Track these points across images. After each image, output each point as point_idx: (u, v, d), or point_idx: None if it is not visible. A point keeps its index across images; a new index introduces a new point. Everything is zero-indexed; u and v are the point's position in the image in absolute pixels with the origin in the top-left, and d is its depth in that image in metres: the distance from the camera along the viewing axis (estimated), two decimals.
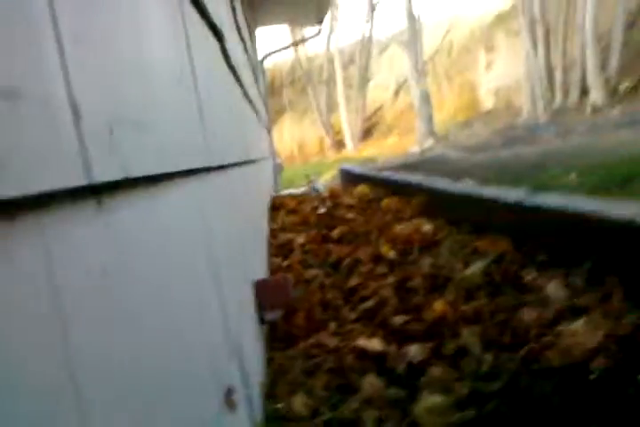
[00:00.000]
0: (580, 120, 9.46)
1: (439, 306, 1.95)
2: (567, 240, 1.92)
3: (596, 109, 9.77)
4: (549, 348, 1.32)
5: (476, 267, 2.14)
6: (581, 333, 1.29)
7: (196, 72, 1.19)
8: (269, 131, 7.94)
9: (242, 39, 3.30)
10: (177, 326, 0.75)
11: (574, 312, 1.47)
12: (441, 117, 16.26)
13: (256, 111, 4.71)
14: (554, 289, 1.66)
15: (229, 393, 1.05)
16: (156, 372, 0.60)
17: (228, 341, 1.23)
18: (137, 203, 0.66)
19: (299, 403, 1.57)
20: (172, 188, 0.90)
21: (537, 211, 2.12)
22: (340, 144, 19.58)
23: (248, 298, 1.77)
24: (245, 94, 3.15)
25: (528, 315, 1.58)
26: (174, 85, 0.93)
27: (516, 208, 2.30)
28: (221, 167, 1.63)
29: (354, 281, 2.69)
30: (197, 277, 0.94)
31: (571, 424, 1.14)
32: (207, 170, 1.28)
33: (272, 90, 20.47)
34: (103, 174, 0.48)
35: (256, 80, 5.22)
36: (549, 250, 2.02)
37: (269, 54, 7.81)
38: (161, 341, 0.65)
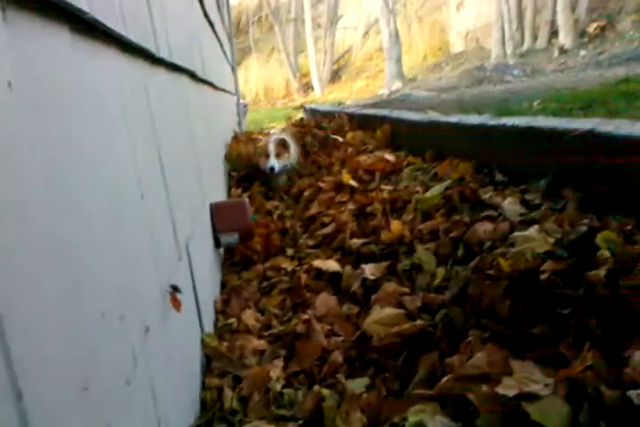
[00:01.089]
0: (547, 61, 9.39)
1: (396, 227, 1.93)
2: (527, 159, 1.90)
3: (564, 51, 9.70)
4: (501, 256, 1.31)
5: (435, 189, 2.12)
6: (533, 239, 1.28)
7: None
8: (234, 68, 7.65)
9: None
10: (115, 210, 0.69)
11: (529, 224, 1.46)
12: (410, 60, 15.97)
13: (219, 40, 4.51)
14: (509, 205, 1.65)
15: (174, 291, 1.01)
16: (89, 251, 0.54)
17: (177, 250, 1.18)
18: (58, 39, 0.59)
19: (250, 318, 1.55)
20: (110, 53, 0.82)
21: (498, 130, 2.08)
22: (307, 87, 19.15)
23: (200, 218, 1.72)
24: (205, 13, 2.97)
25: (482, 230, 1.57)
26: None
27: (478, 130, 2.26)
28: (173, 67, 1.53)
29: (314, 210, 2.67)
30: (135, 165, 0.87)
31: (518, 324, 1.15)
32: (153, 58, 1.19)
33: (238, 29, 19.72)
34: None
35: (219, 7, 4.97)
36: (509, 170, 2.00)
37: None
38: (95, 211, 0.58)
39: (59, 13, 0.57)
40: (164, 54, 1.29)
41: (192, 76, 2.06)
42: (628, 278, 0.96)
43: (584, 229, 1.20)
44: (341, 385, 1.22)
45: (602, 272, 1.01)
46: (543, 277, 1.13)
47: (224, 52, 5.46)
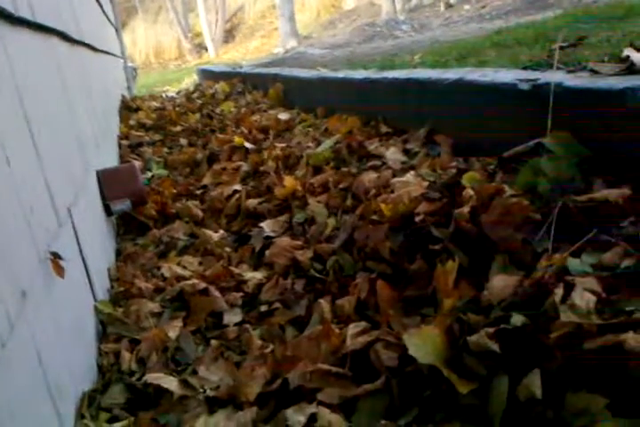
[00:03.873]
0: (435, 16, 9.61)
1: (289, 183, 1.97)
2: (408, 110, 1.98)
3: (449, 6, 9.96)
4: (383, 202, 1.38)
5: (326, 144, 2.17)
6: (409, 184, 1.35)
7: None
8: (118, 30, 7.24)
9: None
10: None
11: (408, 171, 1.54)
12: (304, 17, 15.79)
13: (98, 0, 4.25)
14: (392, 154, 1.72)
15: (55, 258, 1.00)
16: None
17: (57, 216, 1.15)
18: None
19: (145, 283, 1.54)
20: None
21: (381, 84, 2.15)
22: (200, 48, 18.47)
23: (85, 185, 1.66)
24: None
25: (367, 179, 1.64)
26: None
27: (363, 85, 2.31)
28: (38, 27, 1.45)
29: (207, 180, 2.60)
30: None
31: (398, 263, 1.23)
32: (12, 18, 1.12)
33: None
34: None
35: None
36: (393, 122, 2.08)
37: None
38: None
39: None
40: (24, 14, 1.22)
41: (64, 37, 1.95)
42: (487, 214, 1.06)
43: (453, 171, 1.29)
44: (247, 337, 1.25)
45: (466, 209, 1.10)
46: (418, 218, 1.21)
47: (104, 13, 5.15)
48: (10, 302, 0.73)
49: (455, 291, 1.03)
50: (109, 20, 5.93)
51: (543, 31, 2.51)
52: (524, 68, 1.56)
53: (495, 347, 0.79)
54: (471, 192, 1.15)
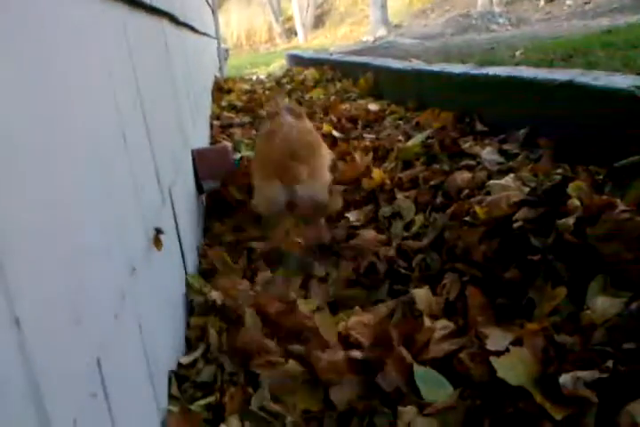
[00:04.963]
0: (533, 10, 9.22)
1: (377, 175, 1.95)
2: (507, 109, 1.92)
3: (550, 0, 9.50)
4: (477, 204, 1.34)
5: (417, 138, 2.13)
6: (508, 187, 1.31)
7: None
8: (214, 11, 7.40)
9: None
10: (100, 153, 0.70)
11: (506, 173, 1.49)
12: (396, 5, 15.55)
13: None
14: (488, 154, 1.68)
15: (157, 233, 1.04)
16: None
17: (161, 194, 1.20)
18: None
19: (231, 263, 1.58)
20: None
21: (480, 80, 2.08)
22: (290, 32, 18.62)
23: (183, 164, 1.72)
24: None
25: (460, 178, 1.60)
26: None
27: (461, 80, 2.25)
28: (152, 10, 1.50)
29: None
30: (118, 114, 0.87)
31: (491, 269, 1.20)
32: (131, 1, 1.17)
33: None
34: None
35: None
36: (490, 121, 2.02)
37: None
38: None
39: None
40: None
41: (172, 19, 2.01)
42: (595, 228, 1.01)
43: (558, 178, 1.24)
44: None
45: (571, 220, 1.05)
46: (516, 225, 1.18)
47: None
48: (123, 277, 0.77)
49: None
50: (207, 1, 6.07)
51: None
52: None
53: (592, 396, 0.75)
54: (577, 203, 1.10)
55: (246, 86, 4.76)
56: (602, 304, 0.88)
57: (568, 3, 8.89)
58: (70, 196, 0.61)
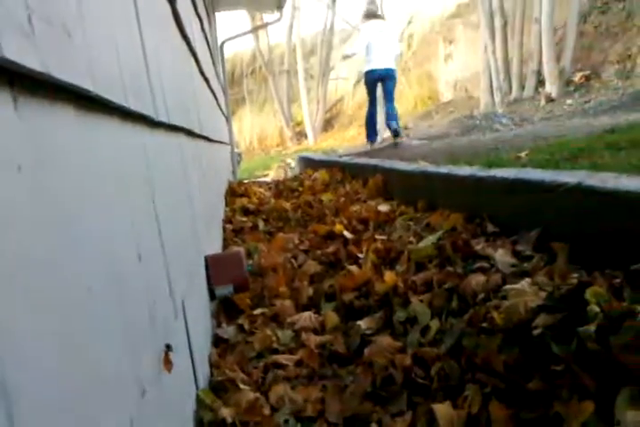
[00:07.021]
0: (535, 110, 9.64)
1: (390, 278, 1.94)
2: (516, 210, 1.94)
3: (550, 99, 9.95)
4: (494, 309, 1.32)
5: (428, 240, 2.14)
6: (525, 292, 1.29)
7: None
8: (228, 119, 7.82)
9: (198, 15, 3.22)
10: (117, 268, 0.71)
11: (520, 276, 1.48)
12: (401, 108, 16.33)
13: (214, 94, 4.63)
14: (501, 256, 1.67)
15: (167, 350, 1.02)
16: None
17: (174, 308, 1.19)
18: (64, 118, 0.61)
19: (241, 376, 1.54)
20: (111, 123, 0.85)
21: (487, 182, 2.13)
22: (300, 136, 19.48)
23: (197, 271, 1.73)
24: (201, 71, 3.08)
25: (475, 281, 1.58)
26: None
27: (468, 182, 2.31)
28: (171, 128, 1.58)
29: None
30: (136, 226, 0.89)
31: (513, 379, 1.15)
32: (153, 122, 1.23)
33: (232, 80, 20.20)
34: (15, 54, 0.44)
35: (214, 63, 5.13)
36: (500, 221, 2.04)
37: (229, 39, 7.68)
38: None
39: (66, 94, 0.61)
40: (162, 118, 1.34)
41: (189, 133, 2.12)
42: (618, 337, 0.98)
43: (574, 282, 1.22)
44: None
45: (592, 328, 1.03)
46: (536, 332, 1.14)
47: (219, 105, 5.60)
48: (132, 402, 0.74)
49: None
50: (221, 110, 6.43)
51: None
52: None
53: None
54: (597, 309, 1.07)
55: (261, 190, 4.90)
56: (632, 418, 0.83)
57: (568, 102, 9.30)
58: (83, 326, 0.60)
